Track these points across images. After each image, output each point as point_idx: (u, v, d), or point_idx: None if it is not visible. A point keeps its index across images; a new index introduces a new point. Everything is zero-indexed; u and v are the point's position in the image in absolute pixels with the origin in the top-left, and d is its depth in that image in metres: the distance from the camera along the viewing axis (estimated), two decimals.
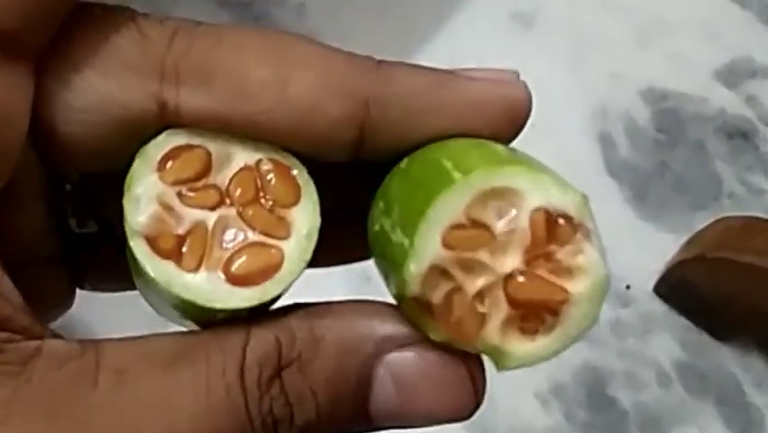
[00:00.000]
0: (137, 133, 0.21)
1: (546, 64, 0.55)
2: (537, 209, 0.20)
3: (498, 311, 0.20)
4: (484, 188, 0.20)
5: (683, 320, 0.49)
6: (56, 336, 0.20)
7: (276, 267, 0.21)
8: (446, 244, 0.20)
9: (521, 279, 0.20)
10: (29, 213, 0.22)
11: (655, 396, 0.48)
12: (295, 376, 0.20)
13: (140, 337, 0.20)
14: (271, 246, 0.21)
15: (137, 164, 0.21)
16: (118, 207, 0.21)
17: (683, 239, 0.49)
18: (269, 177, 0.21)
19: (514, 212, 0.20)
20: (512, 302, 0.20)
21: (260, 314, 0.21)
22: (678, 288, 0.49)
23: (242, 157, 0.21)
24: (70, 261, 0.24)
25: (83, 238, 0.25)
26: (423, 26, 0.56)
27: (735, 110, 0.54)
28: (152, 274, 0.20)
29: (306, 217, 0.21)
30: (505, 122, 0.22)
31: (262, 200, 0.21)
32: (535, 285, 0.20)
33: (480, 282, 0.20)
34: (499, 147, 0.22)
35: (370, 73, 0.22)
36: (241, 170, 0.21)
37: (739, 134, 0.53)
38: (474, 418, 0.22)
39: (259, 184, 0.21)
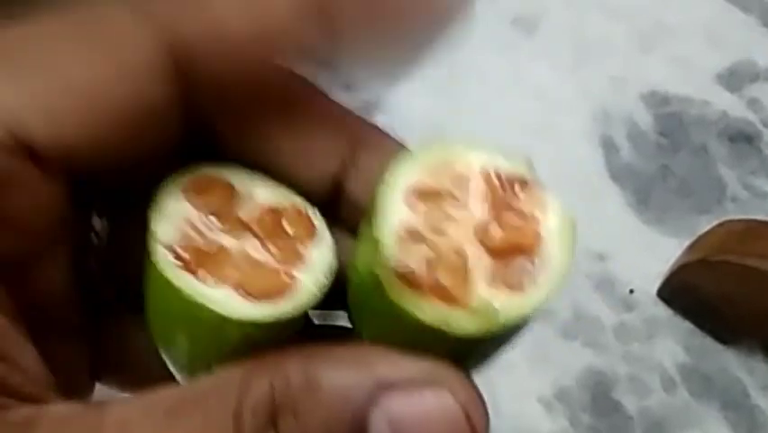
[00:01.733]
0: (147, 125, 0.21)
1: (548, 69, 0.55)
2: (488, 169, 0.21)
3: (480, 265, 0.20)
4: (431, 159, 0.21)
5: (687, 324, 0.49)
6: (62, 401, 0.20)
7: (290, 289, 0.21)
8: (410, 206, 0.20)
9: (490, 227, 0.20)
10: (56, 267, 0.22)
11: (660, 400, 0.48)
12: (290, 423, 0.20)
13: (143, 396, 0.20)
14: (288, 273, 0.22)
15: (166, 183, 0.22)
16: (136, 263, 0.22)
17: (686, 243, 0.49)
18: (287, 215, 0.22)
19: (466, 176, 0.21)
20: (490, 251, 0.20)
21: (272, 341, 0.21)
22: (681, 292, 0.49)
23: (263, 195, 0.23)
24: (90, 335, 0.24)
25: (101, 317, 0.25)
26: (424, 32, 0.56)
27: (737, 114, 0.54)
28: (176, 283, 0.21)
29: (321, 254, 0.22)
30: None
31: (280, 235, 0.22)
32: (507, 229, 0.20)
33: (453, 238, 0.20)
34: None
35: None
36: (262, 206, 0.22)
37: (742, 138, 0.53)
38: None
39: (278, 220, 0.22)
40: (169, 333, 0.22)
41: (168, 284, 0.21)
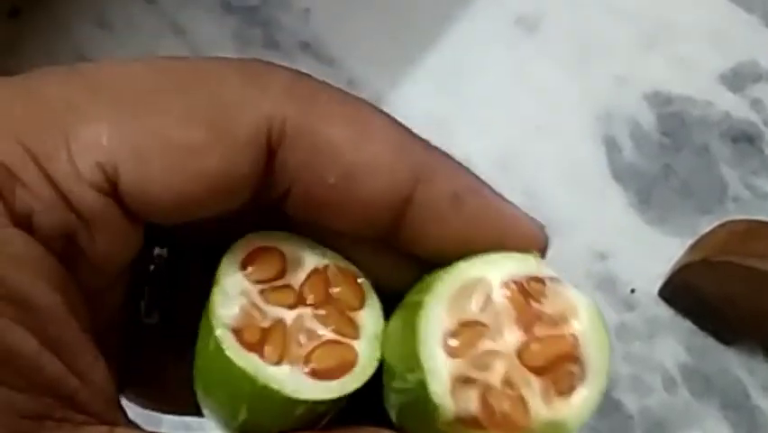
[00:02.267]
0: (232, 193, 0.21)
1: (551, 68, 0.55)
2: (505, 283, 0.21)
3: (531, 388, 0.21)
4: (451, 292, 0.21)
5: (688, 324, 0.49)
6: (129, 422, 0.21)
7: (352, 363, 0.22)
8: (451, 354, 0.21)
9: (529, 347, 0.21)
10: (115, 289, 0.23)
11: (661, 400, 0.48)
12: None
13: None
14: (345, 344, 0.22)
15: (225, 261, 0.22)
16: (189, 298, 0.22)
17: (688, 243, 0.49)
18: (336, 281, 0.23)
19: (488, 297, 0.21)
20: (535, 371, 0.21)
21: (334, 409, 0.22)
22: (683, 291, 0.49)
23: (312, 261, 0.23)
24: (122, 350, 0.25)
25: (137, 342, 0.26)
26: (427, 31, 0.56)
27: (740, 114, 0.54)
28: (240, 364, 0.21)
29: (372, 320, 0.23)
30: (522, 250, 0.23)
31: (332, 302, 0.23)
32: (544, 345, 0.21)
33: (499, 371, 0.21)
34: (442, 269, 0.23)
35: (424, 150, 0.22)
36: (312, 272, 0.23)
37: (744, 138, 0.53)
38: None
39: (328, 287, 0.23)
40: (222, 399, 0.22)
41: (230, 362, 0.21)
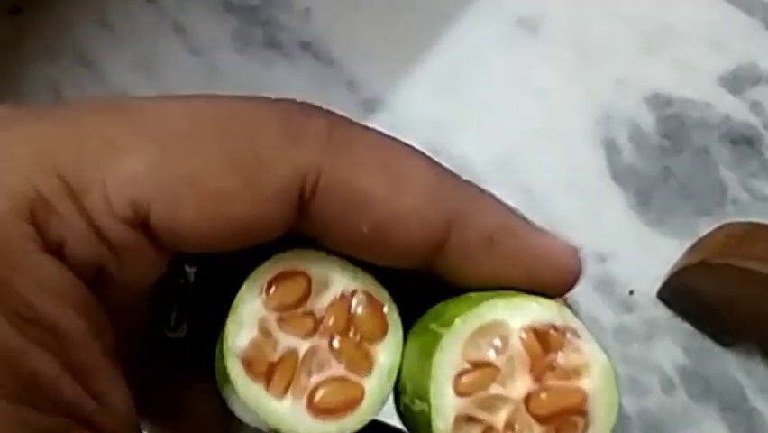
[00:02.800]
0: (260, 237, 0.22)
1: (551, 70, 0.55)
2: (524, 330, 0.22)
3: (533, 431, 0.21)
4: (469, 332, 0.21)
5: (687, 326, 0.49)
6: None
7: (356, 402, 0.22)
8: (459, 393, 0.21)
9: (537, 396, 0.21)
10: (138, 305, 0.24)
11: (659, 401, 0.48)
12: None
13: None
14: (354, 382, 0.22)
15: (245, 288, 0.22)
16: (216, 311, 0.23)
17: (687, 245, 0.49)
18: (360, 310, 0.23)
19: (505, 341, 0.22)
20: (539, 419, 0.21)
21: None
22: (681, 293, 0.49)
23: (340, 284, 0.23)
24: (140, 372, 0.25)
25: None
26: (428, 31, 0.56)
27: (739, 116, 0.54)
28: (243, 396, 0.22)
29: (388, 356, 0.23)
30: (554, 285, 0.23)
31: (351, 332, 0.23)
32: (552, 396, 0.21)
33: (504, 414, 0.21)
34: (473, 294, 0.23)
35: (459, 194, 0.23)
36: (336, 298, 0.23)
37: (744, 141, 0.53)
38: None
39: (350, 315, 0.23)
40: (243, 414, 0.23)
41: (235, 391, 0.22)
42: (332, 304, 0.23)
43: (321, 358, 0.22)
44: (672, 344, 0.49)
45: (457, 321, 0.21)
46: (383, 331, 0.23)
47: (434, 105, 0.54)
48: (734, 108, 0.54)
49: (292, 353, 0.22)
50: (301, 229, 0.22)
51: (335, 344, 0.22)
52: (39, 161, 0.21)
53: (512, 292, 0.22)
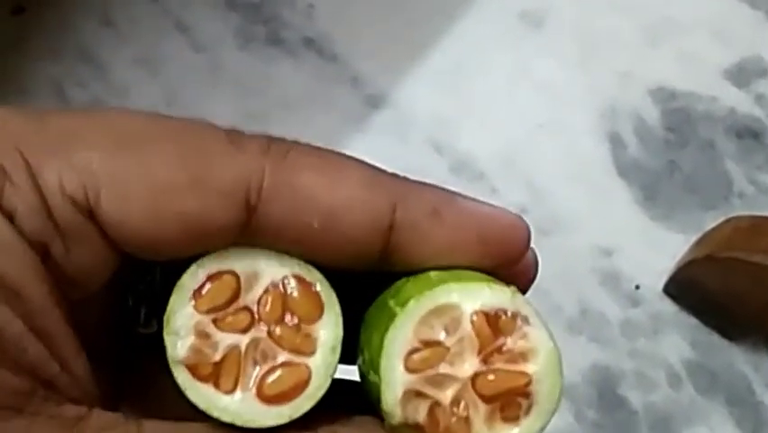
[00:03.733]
0: (207, 238, 0.23)
1: (555, 63, 0.55)
2: (475, 313, 0.22)
3: (477, 410, 0.22)
4: (422, 313, 0.22)
5: (693, 320, 0.49)
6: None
7: (305, 384, 0.23)
8: (409, 369, 0.22)
9: (483, 377, 0.22)
10: (99, 301, 0.25)
11: (666, 396, 0.48)
12: None
13: (177, 422, 0.23)
14: (299, 364, 0.23)
15: (174, 299, 0.23)
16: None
17: (693, 239, 0.49)
18: (293, 294, 0.23)
19: (456, 323, 0.22)
20: (484, 399, 0.22)
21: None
22: (687, 288, 0.49)
23: (269, 274, 0.23)
24: (117, 363, 0.26)
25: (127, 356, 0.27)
26: (431, 26, 0.56)
27: (744, 109, 0.54)
28: (193, 400, 0.23)
29: (329, 332, 0.23)
30: (507, 248, 0.24)
31: (288, 317, 0.23)
32: (498, 378, 0.22)
33: (450, 392, 0.22)
34: (432, 273, 0.24)
35: (396, 181, 0.24)
36: (267, 289, 0.23)
37: (749, 134, 0.53)
38: None
39: (285, 302, 0.23)
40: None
41: (186, 396, 0.23)
42: (264, 294, 0.23)
43: (263, 348, 0.23)
44: (679, 338, 0.49)
45: (411, 302, 0.22)
46: (320, 310, 0.23)
47: (437, 100, 0.54)
48: (739, 101, 0.54)
49: (234, 349, 0.23)
50: (255, 237, 0.23)
51: (275, 331, 0.23)
52: (2, 140, 0.22)
53: (469, 274, 0.23)
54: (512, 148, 0.53)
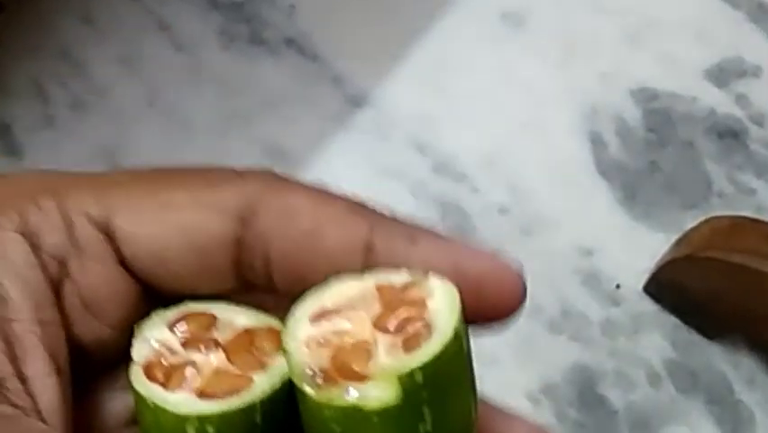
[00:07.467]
0: (206, 249, 0.25)
1: (536, 64, 0.55)
2: (377, 287, 0.24)
3: (378, 343, 0.23)
4: (313, 310, 0.24)
5: (673, 319, 0.49)
6: None
7: (242, 388, 0.24)
8: (314, 324, 0.23)
9: (386, 316, 0.23)
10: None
11: (646, 395, 0.48)
12: None
13: None
14: (243, 376, 0.24)
15: (152, 317, 0.25)
16: None
17: (674, 238, 0.49)
18: (261, 334, 0.25)
19: (364, 293, 0.24)
20: (388, 332, 0.23)
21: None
22: (668, 287, 0.49)
23: (243, 321, 0.25)
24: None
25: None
26: (413, 27, 0.56)
27: (725, 110, 0.54)
28: (137, 388, 0.24)
29: (283, 363, 0.24)
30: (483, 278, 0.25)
31: (251, 351, 0.25)
32: (398, 313, 0.23)
33: (354, 333, 0.23)
34: None
35: (375, 210, 0.26)
36: (238, 329, 0.25)
37: (729, 134, 0.54)
38: None
39: (251, 339, 0.25)
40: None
41: (138, 396, 0.24)
42: (235, 334, 0.25)
43: (217, 365, 0.24)
44: (659, 337, 0.49)
45: (303, 301, 0.24)
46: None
47: (419, 100, 0.54)
48: (719, 101, 0.54)
49: (189, 362, 0.24)
50: (248, 252, 0.25)
51: (233, 355, 0.24)
52: (38, 185, 0.25)
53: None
54: (494, 148, 0.53)
